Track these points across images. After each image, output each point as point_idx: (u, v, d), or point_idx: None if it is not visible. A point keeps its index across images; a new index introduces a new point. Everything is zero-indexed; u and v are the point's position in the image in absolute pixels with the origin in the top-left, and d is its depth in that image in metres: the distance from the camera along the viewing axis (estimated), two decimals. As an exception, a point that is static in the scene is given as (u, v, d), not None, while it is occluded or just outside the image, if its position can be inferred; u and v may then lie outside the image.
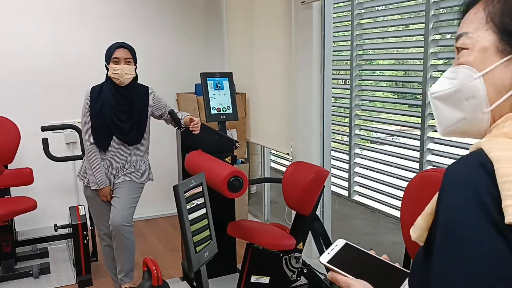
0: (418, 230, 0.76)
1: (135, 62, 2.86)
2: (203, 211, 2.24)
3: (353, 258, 0.88)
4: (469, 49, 0.79)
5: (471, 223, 0.65)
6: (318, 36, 3.33)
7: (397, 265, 0.89)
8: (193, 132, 2.89)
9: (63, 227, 3.66)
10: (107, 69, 2.84)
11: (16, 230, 3.92)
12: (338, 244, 0.90)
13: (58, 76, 4.27)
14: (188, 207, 2.09)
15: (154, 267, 2.54)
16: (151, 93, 2.97)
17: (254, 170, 4.89)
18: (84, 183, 2.95)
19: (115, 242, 2.95)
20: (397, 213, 3.44)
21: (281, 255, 2.75)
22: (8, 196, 3.72)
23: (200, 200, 2.22)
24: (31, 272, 3.51)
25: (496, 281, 0.63)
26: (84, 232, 3.33)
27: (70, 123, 3.88)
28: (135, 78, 2.88)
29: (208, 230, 2.26)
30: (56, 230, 3.70)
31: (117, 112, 2.84)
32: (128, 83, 2.82)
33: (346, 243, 0.89)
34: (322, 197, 2.97)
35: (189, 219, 2.07)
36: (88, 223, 3.50)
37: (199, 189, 2.11)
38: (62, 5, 4.25)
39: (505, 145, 0.69)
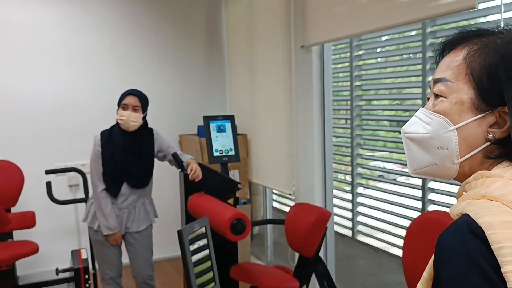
0: None
1: (144, 110, 2.87)
2: (206, 252, 2.24)
3: None
4: (446, 98, 0.80)
5: None
6: (318, 78, 3.41)
7: None
8: (195, 181, 2.91)
9: (64, 270, 3.63)
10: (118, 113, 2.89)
11: (17, 275, 3.88)
12: None
13: (61, 119, 4.33)
14: (191, 248, 2.09)
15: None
16: (156, 134, 3.01)
17: (256, 211, 4.89)
18: (94, 227, 2.93)
19: None
20: (400, 253, 3.41)
21: (285, 298, 2.72)
22: (11, 240, 3.71)
23: (204, 241, 2.22)
24: (31, 318, 3.46)
25: None
26: (86, 276, 3.30)
27: (73, 166, 3.91)
28: (144, 124, 2.92)
29: (212, 272, 2.25)
30: (57, 274, 3.66)
31: (127, 155, 2.87)
32: (134, 129, 2.85)
33: None
34: (325, 238, 2.96)
35: (193, 261, 2.06)
36: (90, 267, 3.47)
37: (203, 230, 2.11)
38: (65, 48, 4.35)
39: (490, 209, 0.69)
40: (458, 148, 0.78)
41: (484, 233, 0.65)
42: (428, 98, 0.86)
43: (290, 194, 3.82)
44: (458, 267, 0.67)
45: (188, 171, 2.91)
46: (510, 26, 0.81)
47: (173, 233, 3.24)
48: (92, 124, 4.39)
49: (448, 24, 2.65)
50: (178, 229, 3.30)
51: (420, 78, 3.09)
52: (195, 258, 2.10)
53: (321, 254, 2.99)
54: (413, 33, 2.93)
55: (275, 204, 5.21)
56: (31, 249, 3.54)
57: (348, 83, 3.90)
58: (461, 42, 0.81)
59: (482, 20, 2.44)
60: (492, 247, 0.64)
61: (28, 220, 3.74)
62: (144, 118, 2.91)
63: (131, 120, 2.81)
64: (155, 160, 3.07)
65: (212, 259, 2.14)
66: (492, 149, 0.77)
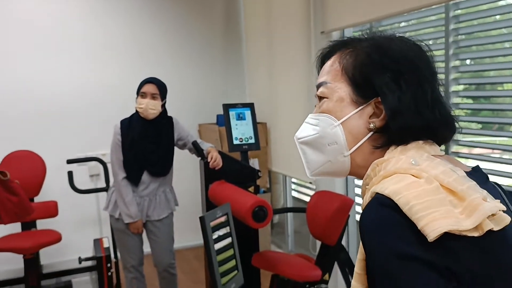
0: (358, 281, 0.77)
1: (163, 98, 2.87)
2: (228, 240, 2.22)
3: None
4: (328, 98, 0.87)
5: (396, 259, 0.67)
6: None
7: None
8: (215, 169, 2.90)
9: (87, 259, 3.67)
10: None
11: (41, 263, 3.94)
12: None
13: (82, 109, 4.37)
14: (213, 236, 2.08)
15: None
16: (175, 123, 3.02)
17: (276, 200, 4.86)
18: (115, 216, 2.94)
19: (162, 280, 3.07)
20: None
21: (307, 286, 2.70)
22: (34, 229, 3.76)
23: (226, 230, 2.20)
24: (55, 305, 3.51)
25: None
26: (108, 265, 3.32)
27: (94, 156, 3.93)
28: (163, 112, 2.91)
29: (234, 260, 2.23)
30: (80, 263, 3.70)
31: (147, 143, 2.88)
32: (153, 117, 2.85)
33: None
34: (347, 226, 2.92)
35: (215, 249, 2.05)
36: (112, 256, 3.50)
37: (225, 218, 2.10)
38: (86, 39, 4.38)
39: (392, 180, 0.74)
40: (345, 141, 0.85)
41: (393, 201, 0.69)
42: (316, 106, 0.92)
43: (310, 183, 3.78)
44: (377, 238, 0.70)
45: (209, 159, 2.90)
46: (372, 34, 0.90)
47: (194, 222, 3.24)
48: (113, 114, 4.40)
49: (472, 8, 2.56)
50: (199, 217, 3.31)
51: (443, 64, 3.01)
52: (217, 246, 2.09)
53: (343, 242, 2.95)
54: (434, 17, 2.85)
55: (294, 194, 5.18)
56: (54, 238, 3.58)
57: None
58: (337, 50, 0.90)
59: (502, 2, 2.36)
60: (403, 210, 0.68)
61: (51, 210, 3.79)
62: (163, 106, 2.90)
63: (150, 108, 2.81)
64: (175, 148, 3.07)
65: (234, 246, 2.13)
66: (377, 138, 0.83)
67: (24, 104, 4.18)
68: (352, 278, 2.64)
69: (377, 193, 0.73)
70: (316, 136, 0.88)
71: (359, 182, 4.17)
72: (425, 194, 0.68)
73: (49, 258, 4.13)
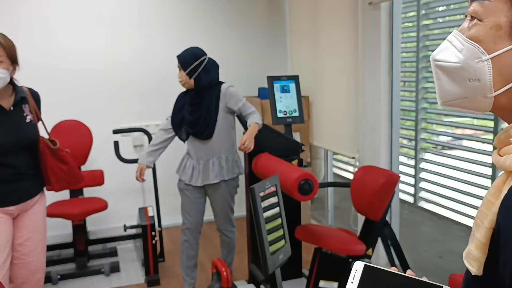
0: (477, 261, 0.67)
1: (185, 68, 2.94)
2: (276, 210, 2.23)
3: (380, 281, 0.79)
4: (482, 22, 0.68)
5: None
6: (387, 37, 3.25)
7: (424, 279, 0.80)
8: (245, 151, 2.94)
9: (131, 227, 3.78)
10: None
11: (88, 230, 4.09)
12: (357, 269, 0.80)
13: (127, 81, 4.43)
14: (262, 205, 2.08)
15: (223, 269, 2.56)
16: (224, 89, 3.03)
17: (316, 174, 4.84)
18: (179, 176, 3.15)
19: (221, 243, 3.26)
20: (468, 221, 3.28)
21: (350, 260, 2.70)
22: (82, 197, 3.89)
23: (275, 199, 2.20)
24: (102, 270, 3.65)
25: None
26: (153, 233, 3.42)
27: (138, 127, 4.00)
28: (200, 78, 2.96)
29: (282, 230, 2.23)
30: (125, 230, 3.82)
31: (188, 108, 3.03)
32: (188, 86, 2.99)
33: (365, 265, 0.80)
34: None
35: (264, 217, 2.06)
36: (156, 224, 3.59)
37: (273, 188, 2.10)
38: (133, 10, 4.42)
39: None
40: (491, 80, 0.68)
41: None
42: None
43: (353, 158, 3.74)
44: None
45: (239, 142, 2.89)
46: None
47: (236, 196, 3.28)
48: (157, 86, 4.48)
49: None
50: (241, 189, 3.34)
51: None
52: (265, 215, 2.10)
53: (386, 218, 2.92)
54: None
55: (334, 170, 5.14)
56: (101, 205, 3.69)
57: (415, 44, 3.71)
58: None
59: None
60: None
61: (97, 178, 3.90)
62: (191, 74, 2.94)
63: (179, 80, 2.99)
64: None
65: (282, 216, 2.14)
66: None
67: (73, 75, 4.27)
68: (395, 255, 2.60)
69: None
70: (456, 66, 0.71)
71: (403, 158, 4.11)
72: None
73: (95, 224, 4.27)
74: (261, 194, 1.98)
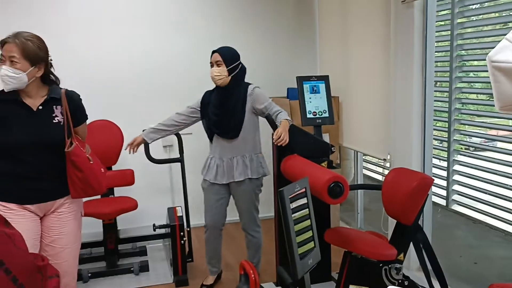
0: None
1: (228, 65, 2.96)
2: (305, 211, 2.18)
3: None
4: None
5: None
6: (420, 36, 3.17)
7: None
8: (281, 145, 2.87)
9: (160, 227, 3.80)
10: None
11: (118, 228, 4.14)
12: None
13: (157, 82, 4.47)
14: (291, 206, 2.04)
15: (251, 271, 2.54)
16: (250, 89, 3.05)
17: (345, 176, 4.77)
18: (204, 177, 3.20)
19: (247, 242, 3.30)
20: (504, 226, 3.16)
21: (381, 265, 2.64)
22: (112, 196, 3.94)
23: (303, 200, 2.15)
24: (132, 269, 3.68)
25: None
26: (181, 233, 3.43)
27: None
28: (236, 78, 2.99)
29: (311, 231, 2.18)
30: (154, 230, 3.84)
31: (214, 107, 3.05)
32: (222, 83, 2.98)
33: None
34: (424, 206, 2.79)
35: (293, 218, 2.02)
36: (185, 225, 3.60)
37: (303, 190, 2.06)
38: (161, 12, 4.45)
39: None
40: None
41: None
42: None
43: (384, 160, 3.66)
44: None
45: (274, 135, 2.86)
46: None
47: (263, 195, 3.26)
48: (187, 86, 4.49)
49: None
50: (269, 190, 3.31)
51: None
52: (294, 216, 2.06)
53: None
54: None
55: (364, 171, 5.05)
56: (131, 205, 3.73)
57: (447, 43, 3.59)
58: None
59: None
60: None
61: (128, 178, 3.94)
62: (231, 71, 2.97)
63: (215, 74, 2.96)
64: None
65: (311, 218, 2.10)
66: None
67: (104, 75, 4.32)
68: (428, 260, 2.51)
69: None
70: None
71: (435, 160, 3.99)
72: None
73: (126, 223, 4.31)
74: (290, 196, 1.95)
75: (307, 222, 2.08)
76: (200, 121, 3.24)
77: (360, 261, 2.69)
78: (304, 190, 2.04)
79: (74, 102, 2.33)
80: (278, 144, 2.80)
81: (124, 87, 4.40)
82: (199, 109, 3.15)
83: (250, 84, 3.08)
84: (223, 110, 3.01)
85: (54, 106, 2.28)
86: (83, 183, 2.28)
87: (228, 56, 2.98)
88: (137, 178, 4.07)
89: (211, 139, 3.14)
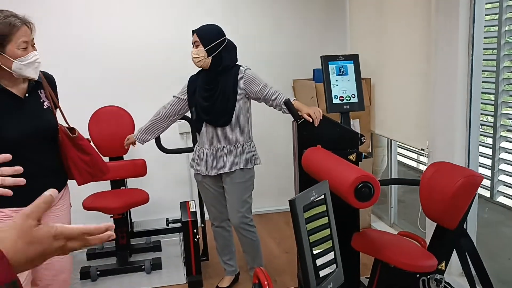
0: None
1: (206, 44, 2.70)
2: (324, 220, 1.82)
3: None
4: None
5: None
6: (467, 11, 2.71)
7: None
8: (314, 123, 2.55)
9: (174, 221, 3.54)
10: None
11: (132, 221, 3.89)
12: None
13: (170, 68, 4.14)
14: (305, 216, 1.69)
15: (266, 282, 2.21)
16: (241, 72, 2.77)
17: (377, 165, 4.35)
18: (195, 170, 2.97)
19: (240, 239, 2.99)
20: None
21: (418, 275, 2.26)
22: (123, 188, 3.67)
23: (322, 208, 1.79)
24: (143, 267, 3.42)
25: None
26: (194, 230, 3.13)
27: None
28: (219, 58, 2.72)
29: (331, 241, 1.83)
30: (167, 225, 3.59)
31: (202, 91, 2.80)
32: (202, 65, 2.74)
33: None
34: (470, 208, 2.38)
35: (308, 229, 1.67)
36: (199, 221, 3.30)
37: (321, 196, 1.70)
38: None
39: None
40: None
41: None
42: None
43: (422, 150, 3.24)
44: None
45: (306, 118, 2.51)
46: None
47: (285, 186, 2.93)
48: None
49: None
50: (290, 182, 2.95)
51: None
52: (310, 226, 1.70)
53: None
54: None
55: (400, 158, 4.62)
56: (142, 198, 3.47)
57: (491, 28, 3.12)
58: None
59: None
60: None
61: (139, 168, 3.66)
62: (210, 51, 2.70)
63: (193, 57, 2.74)
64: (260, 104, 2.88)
65: (332, 227, 1.74)
66: None
67: (115, 61, 4.06)
68: (474, 268, 2.10)
69: None
70: None
71: (483, 149, 3.55)
72: None
73: (140, 215, 4.06)
74: (305, 204, 1.58)
75: (327, 231, 1.72)
76: None
77: (393, 271, 2.31)
78: (323, 196, 1.68)
79: (53, 84, 2.17)
80: (314, 120, 2.52)
81: (134, 74, 4.12)
82: (185, 98, 2.91)
83: (241, 66, 2.80)
84: (212, 96, 2.76)
85: (39, 91, 2.08)
86: (91, 166, 2.21)
87: (204, 35, 2.71)
88: (153, 168, 3.81)
89: (199, 130, 2.87)
